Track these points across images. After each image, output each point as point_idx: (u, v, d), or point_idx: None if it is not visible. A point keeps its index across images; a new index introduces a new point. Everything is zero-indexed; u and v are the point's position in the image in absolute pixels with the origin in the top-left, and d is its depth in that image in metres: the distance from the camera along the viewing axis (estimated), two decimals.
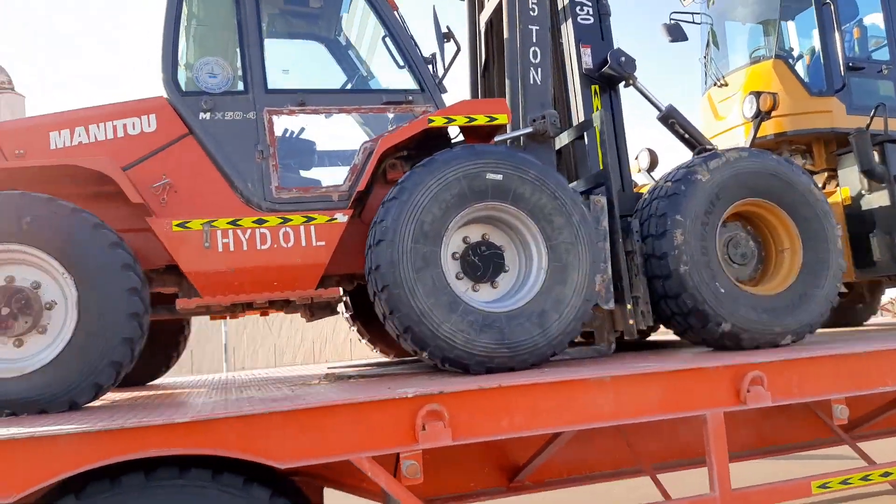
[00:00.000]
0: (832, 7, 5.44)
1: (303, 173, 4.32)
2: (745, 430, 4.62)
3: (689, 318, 4.09)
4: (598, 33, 5.06)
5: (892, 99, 5.61)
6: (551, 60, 5.41)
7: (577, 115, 5.03)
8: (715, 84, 6.13)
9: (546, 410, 2.96)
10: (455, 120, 3.94)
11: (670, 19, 6.78)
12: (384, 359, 5.51)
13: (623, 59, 4.87)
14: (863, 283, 6.41)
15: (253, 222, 3.73)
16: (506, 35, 4.75)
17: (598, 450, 4.36)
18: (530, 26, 4.70)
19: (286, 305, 4.25)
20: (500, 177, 3.73)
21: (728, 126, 5.83)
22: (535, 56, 4.69)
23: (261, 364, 11.99)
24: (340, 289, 4.17)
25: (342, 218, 3.82)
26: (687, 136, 4.98)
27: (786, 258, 4.35)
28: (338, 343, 12.16)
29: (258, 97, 3.90)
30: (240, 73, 3.95)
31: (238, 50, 3.99)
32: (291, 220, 3.76)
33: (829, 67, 5.46)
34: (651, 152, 5.46)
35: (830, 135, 5.46)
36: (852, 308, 6.83)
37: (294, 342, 12.27)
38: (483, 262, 3.78)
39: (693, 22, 6.76)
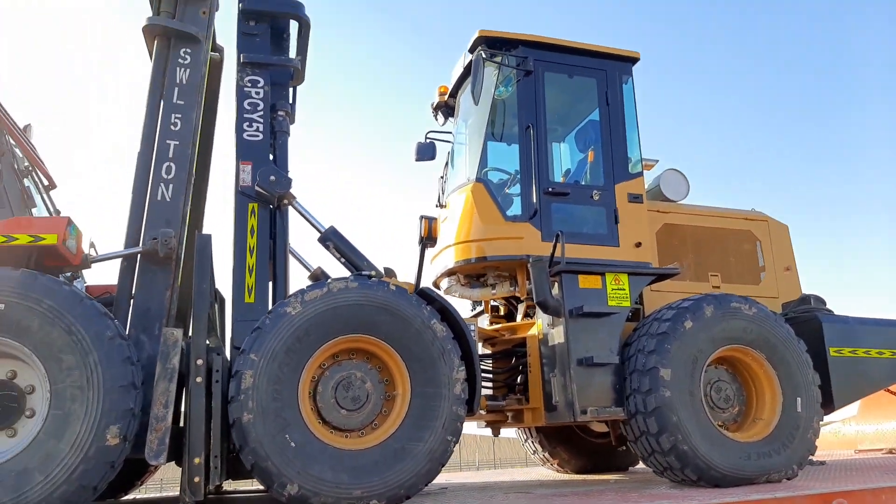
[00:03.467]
0: (532, 131, 5.21)
1: None
2: None
3: (257, 475, 3.49)
4: (265, 151, 4.70)
5: (603, 226, 5.29)
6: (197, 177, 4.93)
7: (235, 236, 4.60)
8: (437, 206, 5.81)
9: None
10: None
11: (426, 138, 6.59)
12: None
13: (273, 177, 4.51)
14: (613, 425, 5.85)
15: None
16: (139, 148, 4.40)
17: None
18: (168, 141, 4.38)
19: None
20: (1, 306, 3.22)
21: (439, 249, 5.44)
22: (167, 171, 4.32)
23: None
24: None
25: None
26: (343, 259, 4.56)
27: (396, 404, 3.83)
28: None
29: None
30: None
31: None
32: None
33: (524, 192, 5.15)
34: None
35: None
36: (614, 451, 6.24)
37: None
38: None
39: (448, 141, 6.55)
